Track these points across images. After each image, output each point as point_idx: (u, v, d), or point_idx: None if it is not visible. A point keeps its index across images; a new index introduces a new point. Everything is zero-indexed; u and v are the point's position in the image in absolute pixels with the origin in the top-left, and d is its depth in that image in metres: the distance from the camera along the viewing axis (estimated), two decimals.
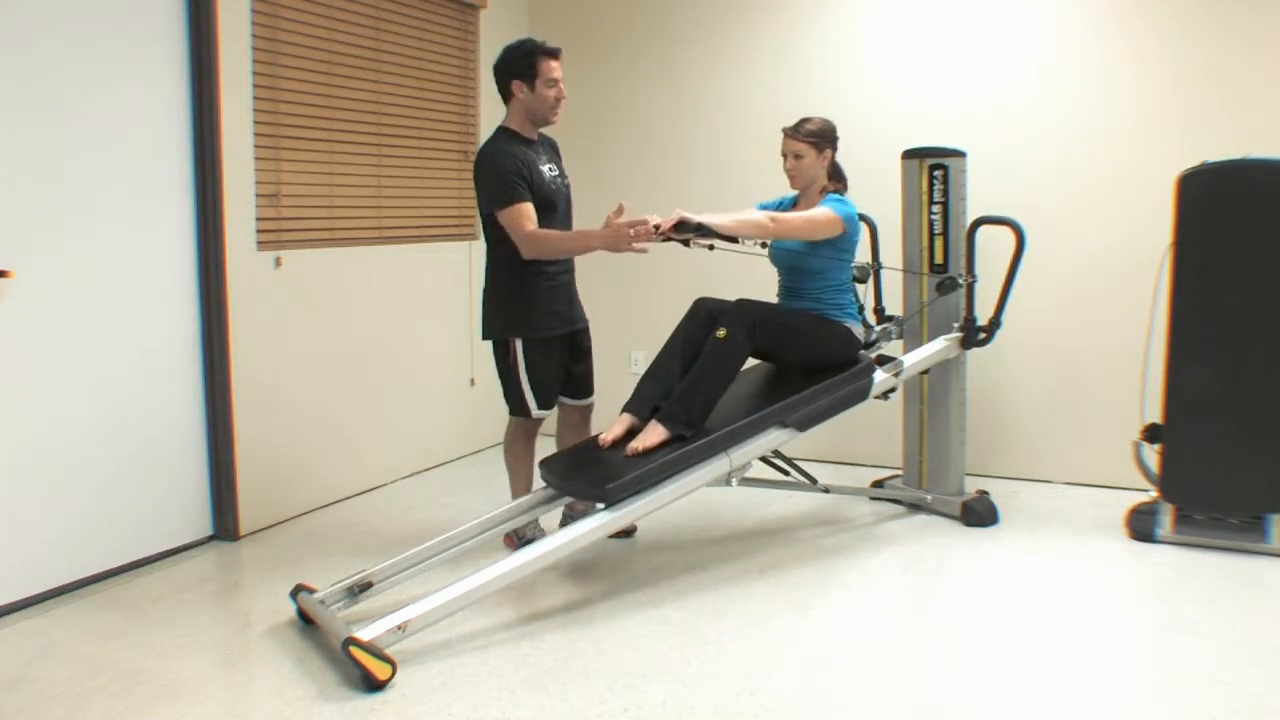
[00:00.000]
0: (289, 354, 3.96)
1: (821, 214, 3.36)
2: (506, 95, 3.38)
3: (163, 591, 3.25)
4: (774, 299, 3.66)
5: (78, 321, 3.23)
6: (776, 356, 3.56)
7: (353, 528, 3.91)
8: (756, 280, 4.05)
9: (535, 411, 3.47)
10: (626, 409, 3.32)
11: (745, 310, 3.30)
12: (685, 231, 3.15)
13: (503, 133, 3.38)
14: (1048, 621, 3.03)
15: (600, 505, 3.02)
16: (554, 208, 3.38)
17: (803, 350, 3.46)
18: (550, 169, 3.43)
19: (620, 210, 3.16)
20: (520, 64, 3.29)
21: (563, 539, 2.92)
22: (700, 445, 3.14)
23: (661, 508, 3.11)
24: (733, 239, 3.23)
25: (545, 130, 3.51)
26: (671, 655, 2.79)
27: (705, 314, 3.39)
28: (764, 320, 3.32)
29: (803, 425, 3.35)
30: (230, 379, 3.68)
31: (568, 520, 3.61)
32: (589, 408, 3.69)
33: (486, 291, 3.51)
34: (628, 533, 3.75)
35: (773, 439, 3.30)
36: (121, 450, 3.39)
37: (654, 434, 3.15)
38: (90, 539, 3.30)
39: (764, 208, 3.65)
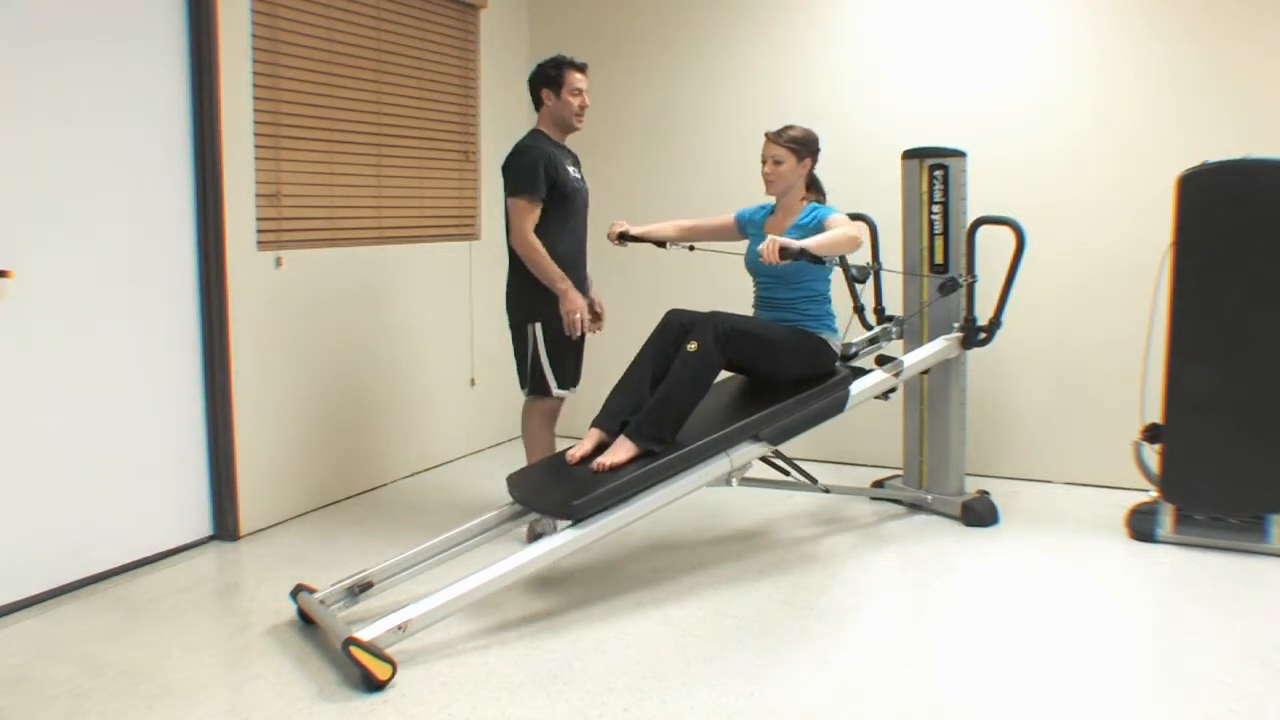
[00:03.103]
0: (289, 354, 3.95)
1: (855, 226, 3.30)
2: (538, 102, 3.66)
3: (163, 591, 3.25)
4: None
5: (78, 321, 3.23)
6: (751, 369, 3.49)
7: (352, 527, 3.91)
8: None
9: (556, 390, 3.59)
10: (595, 424, 3.25)
11: (717, 322, 3.21)
12: (786, 258, 3.10)
13: (537, 133, 3.66)
14: (1048, 621, 3.03)
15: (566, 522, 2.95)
16: (575, 206, 3.64)
17: (777, 363, 3.38)
18: (574, 171, 3.68)
19: (587, 311, 3.59)
20: (550, 73, 3.61)
21: (563, 539, 2.92)
22: (669, 461, 3.05)
23: (630, 524, 3.04)
24: (819, 260, 3.20)
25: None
26: (671, 655, 2.79)
27: (677, 326, 3.30)
28: (737, 332, 3.23)
29: (776, 439, 3.28)
30: (230, 379, 3.68)
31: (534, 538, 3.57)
32: (563, 399, 3.71)
33: (510, 280, 3.66)
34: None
35: (746, 454, 3.23)
36: (121, 450, 3.39)
37: (622, 450, 3.07)
38: (90, 539, 3.30)
39: (744, 216, 3.64)
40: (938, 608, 3.14)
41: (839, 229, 3.26)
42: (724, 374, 3.42)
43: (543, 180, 3.49)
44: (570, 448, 3.26)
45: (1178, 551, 3.63)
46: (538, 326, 3.57)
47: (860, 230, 3.32)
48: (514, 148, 3.59)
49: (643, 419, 3.12)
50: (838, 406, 3.43)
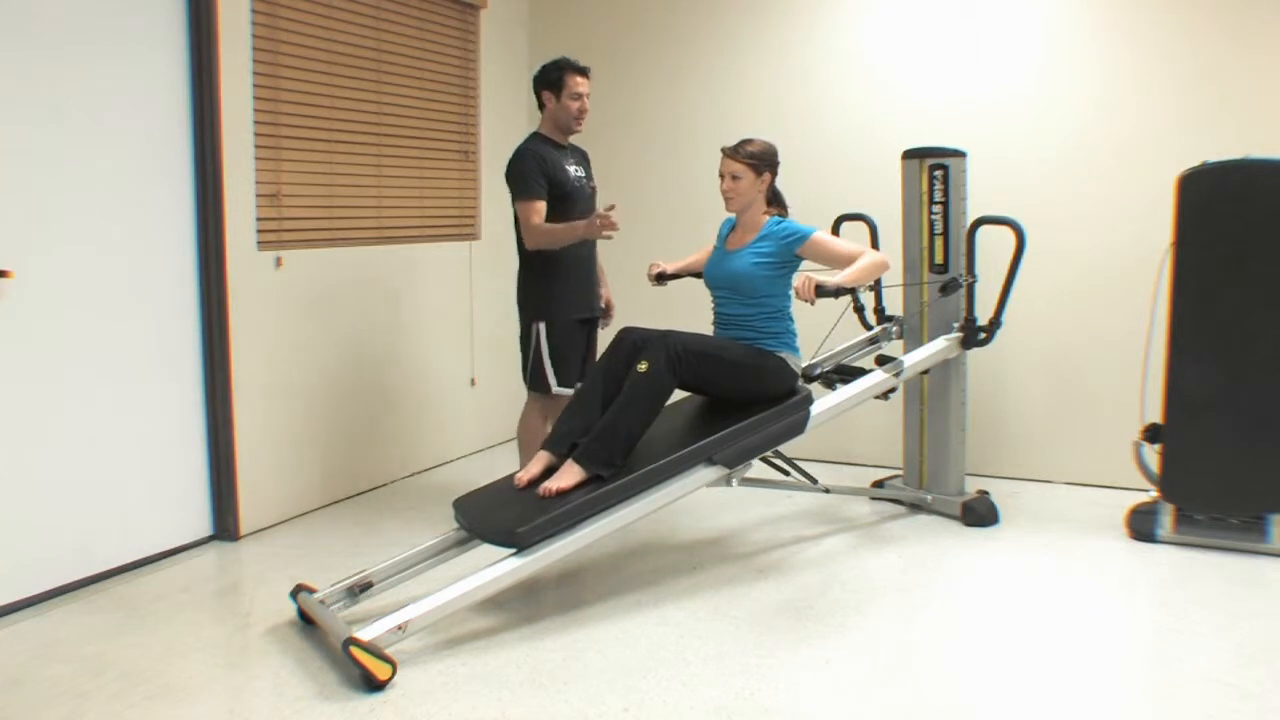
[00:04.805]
0: (289, 354, 3.95)
1: (864, 246, 3.28)
2: (540, 104, 3.71)
3: (163, 591, 3.25)
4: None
5: (77, 321, 3.23)
6: (706, 390, 3.37)
7: (353, 528, 3.91)
8: None
9: (555, 388, 3.62)
10: (545, 446, 3.17)
11: (669, 342, 3.12)
12: (824, 295, 3.12)
13: (535, 136, 3.71)
14: (1048, 621, 3.03)
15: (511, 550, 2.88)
16: (576, 204, 3.66)
17: (732, 383, 3.27)
18: (576, 170, 3.72)
19: (611, 207, 3.36)
20: (551, 76, 3.65)
21: (566, 539, 2.92)
22: (618, 486, 2.97)
23: (577, 551, 2.98)
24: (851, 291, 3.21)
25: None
26: (671, 655, 2.79)
27: (629, 344, 3.20)
28: (689, 353, 3.13)
29: (732, 462, 3.18)
30: (230, 379, 3.68)
31: None
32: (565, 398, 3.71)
33: (519, 280, 3.73)
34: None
35: (699, 478, 3.14)
36: (121, 450, 3.39)
37: (570, 474, 2.99)
38: (90, 539, 3.30)
39: (721, 234, 3.59)
40: (938, 608, 3.14)
41: (867, 257, 3.21)
42: (682, 394, 3.35)
43: (540, 181, 3.53)
44: (518, 471, 3.20)
45: (1178, 551, 3.63)
46: (542, 326, 3.61)
47: (882, 253, 3.28)
48: (513, 153, 3.63)
49: (591, 442, 3.03)
50: (797, 428, 3.33)
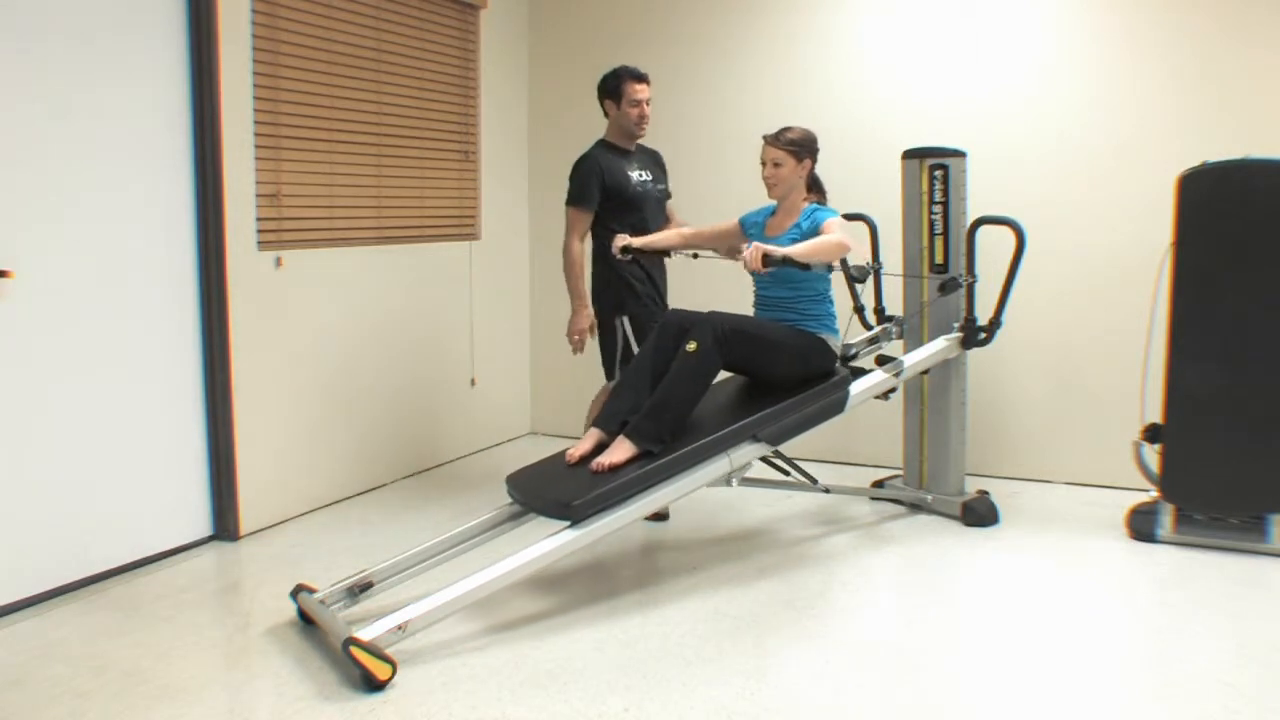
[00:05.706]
0: (289, 354, 3.96)
1: (844, 232, 3.31)
2: (604, 112, 3.91)
3: (163, 591, 3.25)
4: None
5: (78, 321, 3.23)
6: (749, 370, 3.47)
7: (353, 527, 3.91)
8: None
9: None
10: (595, 424, 3.26)
11: (716, 322, 3.21)
12: (771, 265, 3.15)
13: (599, 143, 3.90)
14: (1048, 621, 3.03)
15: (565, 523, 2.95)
16: (639, 209, 3.84)
17: (776, 363, 3.37)
18: (640, 174, 3.88)
19: (588, 334, 3.80)
20: (610, 85, 3.84)
21: (563, 540, 2.91)
22: (667, 462, 3.06)
23: (627, 525, 3.04)
24: (806, 266, 3.23)
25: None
26: (671, 655, 2.79)
27: (676, 326, 3.30)
28: (735, 333, 3.22)
29: (775, 440, 3.27)
30: (230, 379, 3.68)
31: None
32: None
33: (593, 273, 3.88)
34: (662, 516, 3.90)
35: (744, 454, 3.23)
36: (121, 450, 3.39)
37: (621, 450, 3.07)
38: (90, 539, 3.30)
39: (747, 220, 3.64)
40: (938, 608, 3.14)
41: (826, 236, 3.27)
42: (724, 374, 3.42)
43: (595, 192, 3.74)
44: (570, 448, 3.26)
45: (1178, 551, 3.63)
46: (625, 320, 3.78)
47: (849, 236, 3.30)
48: (578, 158, 3.82)
49: (641, 419, 3.12)
50: (837, 407, 3.42)
